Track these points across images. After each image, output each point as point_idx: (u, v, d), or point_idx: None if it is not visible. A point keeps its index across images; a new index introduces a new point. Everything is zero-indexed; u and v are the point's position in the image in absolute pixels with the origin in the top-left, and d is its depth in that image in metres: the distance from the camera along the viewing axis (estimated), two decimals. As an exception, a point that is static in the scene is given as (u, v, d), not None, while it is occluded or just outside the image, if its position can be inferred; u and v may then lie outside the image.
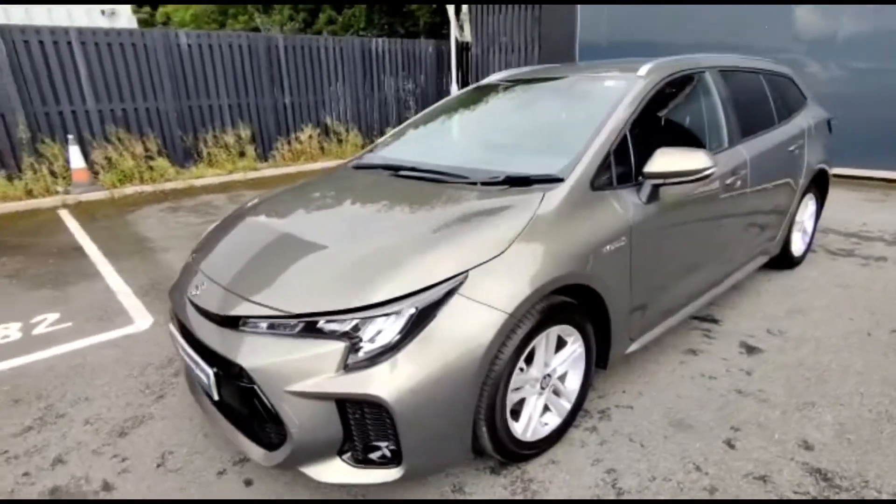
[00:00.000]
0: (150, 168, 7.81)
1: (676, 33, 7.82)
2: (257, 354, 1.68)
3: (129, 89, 7.76)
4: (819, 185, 3.89)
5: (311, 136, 9.52)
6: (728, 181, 2.73)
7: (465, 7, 10.01)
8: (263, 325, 1.73)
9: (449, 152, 2.81)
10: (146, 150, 7.87)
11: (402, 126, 3.23)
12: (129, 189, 7.43)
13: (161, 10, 31.86)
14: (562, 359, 2.09)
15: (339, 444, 1.69)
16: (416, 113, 9.06)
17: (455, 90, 10.22)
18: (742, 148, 2.92)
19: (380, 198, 2.36)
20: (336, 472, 1.71)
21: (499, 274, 1.77)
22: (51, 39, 7.09)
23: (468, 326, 1.69)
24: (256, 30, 27.79)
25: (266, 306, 1.74)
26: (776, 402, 2.37)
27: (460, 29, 9.93)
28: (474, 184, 2.23)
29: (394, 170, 2.60)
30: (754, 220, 3.11)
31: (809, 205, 3.89)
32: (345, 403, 1.64)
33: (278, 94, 9.25)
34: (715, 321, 3.14)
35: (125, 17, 9.01)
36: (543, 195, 2.03)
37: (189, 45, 8.21)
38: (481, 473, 2.01)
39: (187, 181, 7.91)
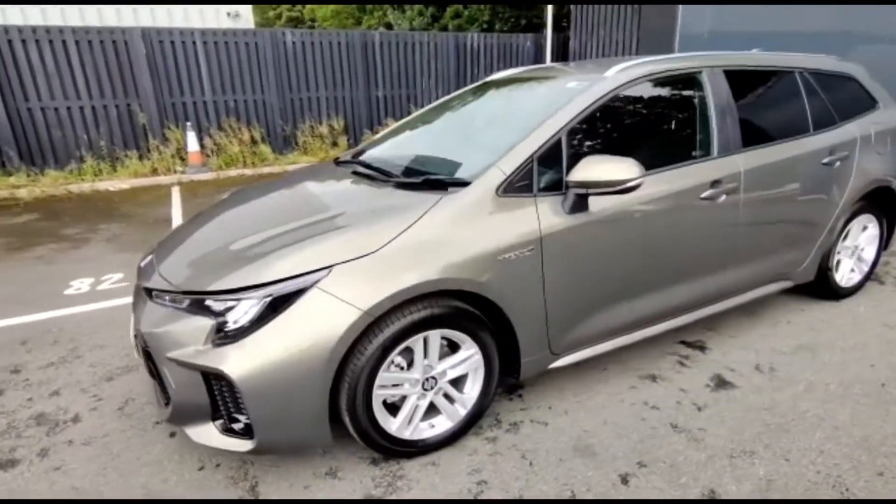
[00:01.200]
0: (253, 153, 8.76)
1: (785, 22, 6.93)
2: (151, 321, 1.93)
3: (240, 83, 8.73)
4: (882, 205, 3.29)
5: (400, 129, 9.94)
6: (705, 194, 2.46)
7: None
8: (166, 297, 1.98)
9: (413, 150, 2.86)
10: (251, 137, 8.82)
11: (399, 123, 3.34)
12: (233, 171, 8.40)
13: (308, 8, 34.86)
14: (451, 364, 2.09)
15: (210, 411, 1.89)
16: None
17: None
18: (739, 158, 2.60)
19: (310, 192, 2.52)
20: (208, 435, 1.91)
21: (363, 272, 1.83)
22: (180, 40, 8.23)
23: (322, 319, 1.78)
24: (389, 25, 29.35)
25: (167, 281, 1.99)
26: (710, 444, 2.13)
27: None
28: (398, 184, 2.29)
29: (358, 164, 2.74)
30: (756, 239, 2.74)
31: (868, 227, 3.31)
32: (209, 375, 1.82)
33: (372, 88, 9.78)
34: (702, 348, 2.84)
35: (246, 19, 10.11)
36: (440, 199, 2.04)
37: (294, 43, 9.00)
38: (361, 462, 2.09)
39: (283, 166, 8.72)
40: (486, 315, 2.09)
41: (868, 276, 3.45)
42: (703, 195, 2.46)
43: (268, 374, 1.75)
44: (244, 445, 1.86)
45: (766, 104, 2.89)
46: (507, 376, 2.28)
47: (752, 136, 2.71)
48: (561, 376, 2.61)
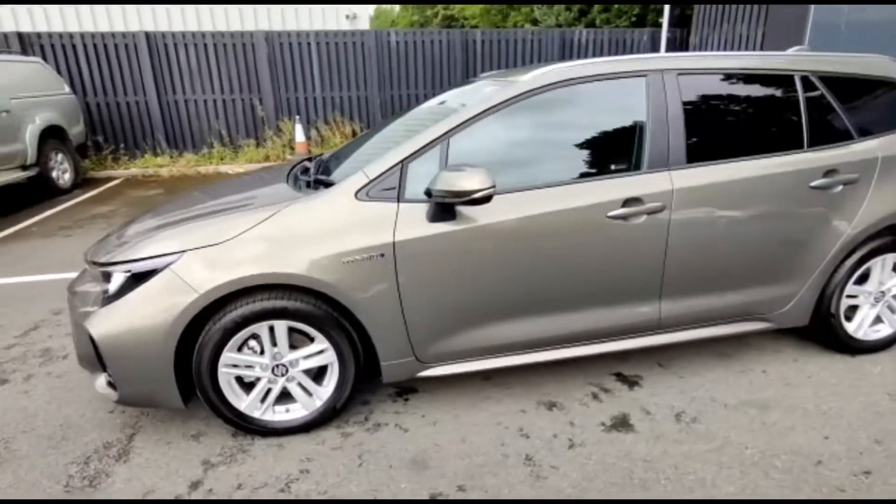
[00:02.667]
0: (352, 146, 9.47)
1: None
2: (77, 285, 2.34)
3: (346, 80, 9.46)
4: None
5: (495, 127, 9.94)
6: (614, 213, 2.21)
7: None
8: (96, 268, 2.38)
9: (348, 154, 2.92)
10: (353, 131, 9.53)
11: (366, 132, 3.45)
12: (331, 161, 9.18)
13: (457, 7, 35.84)
14: (303, 355, 2.19)
15: (99, 364, 2.24)
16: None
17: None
18: (675, 174, 2.28)
19: (244, 184, 2.76)
20: (99, 384, 2.27)
21: (209, 260, 2.03)
22: (296, 41, 9.17)
23: (167, 296, 2.01)
24: (536, 21, 29.16)
25: (92, 251, 2.39)
26: (548, 484, 1.95)
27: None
28: (308, 184, 2.45)
29: (304, 165, 2.94)
30: (700, 269, 2.38)
31: (904, 271, 2.65)
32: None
33: (470, 85, 9.90)
34: (633, 384, 2.56)
35: (363, 20, 10.86)
36: (297, 199, 2.15)
37: (397, 43, 9.48)
38: (225, 433, 2.29)
39: (376, 159, 9.30)
40: (341, 314, 2.15)
41: (906, 331, 2.77)
42: (612, 214, 2.21)
43: (120, 337, 2.03)
44: (113, 396, 2.18)
45: (738, 114, 2.46)
46: (377, 377, 2.32)
47: (707, 150, 2.36)
48: (458, 387, 2.56)
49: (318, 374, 2.28)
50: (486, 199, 2.01)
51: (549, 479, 1.98)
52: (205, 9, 10.43)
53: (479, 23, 35.34)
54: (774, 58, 2.55)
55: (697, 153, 2.34)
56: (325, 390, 2.26)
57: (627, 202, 2.23)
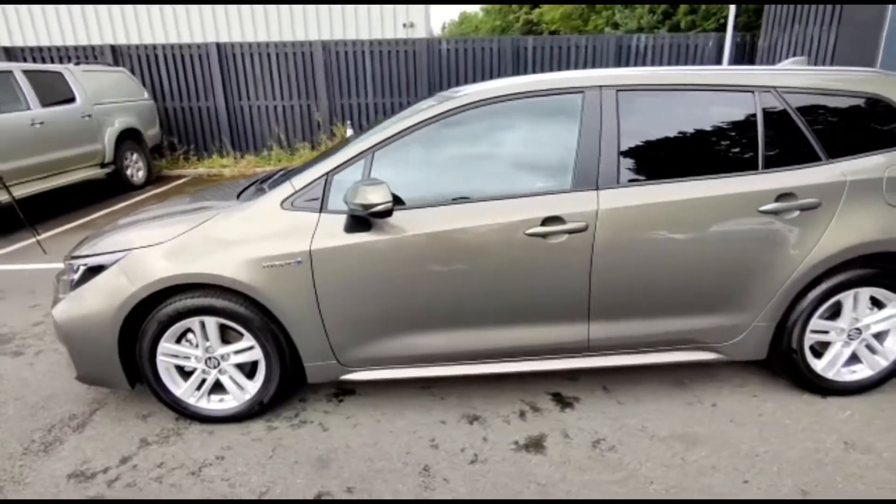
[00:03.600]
0: (400, 150, 9.73)
1: None
2: (62, 274, 2.67)
3: (397, 87, 9.74)
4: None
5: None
6: (532, 231, 2.19)
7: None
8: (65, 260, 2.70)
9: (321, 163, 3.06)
10: (401, 135, 9.79)
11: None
12: (379, 165, 9.49)
13: (536, 10, 35.58)
14: (233, 350, 2.36)
15: (68, 344, 2.54)
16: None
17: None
18: (603, 194, 2.21)
19: (213, 193, 2.98)
20: (69, 363, 2.57)
21: (148, 259, 2.25)
22: (352, 50, 9.57)
23: (112, 289, 2.26)
24: (617, 25, 28.32)
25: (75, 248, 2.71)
26: (437, 494, 1.98)
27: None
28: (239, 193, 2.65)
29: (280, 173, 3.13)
30: (629, 292, 2.28)
31: (888, 306, 2.38)
32: (60, 316, 2.47)
33: (519, 92, 9.85)
34: (566, 405, 2.50)
35: (420, 28, 11.10)
36: (228, 207, 2.33)
37: (448, 50, 9.63)
38: (169, 416, 2.51)
39: (422, 164, 9.51)
40: (265, 314, 2.30)
41: (893, 374, 2.48)
42: (529, 232, 2.19)
43: (74, 322, 2.30)
44: (74, 374, 2.46)
45: (684, 133, 2.33)
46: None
47: (645, 170, 2.27)
48: (394, 393, 2.63)
49: (252, 369, 2.45)
50: (387, 213, 2.08)
51: (436, 492, 2.00)
52: (272, 19, 11.14)
53: (558, 27, 34.83)
54: (732, 72, 2.39)
55: (633, 173, 2.26)
56: (255, 385, 2.42)
57: (547, 221, 2.20)
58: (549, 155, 2.33)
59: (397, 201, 2.25)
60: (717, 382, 2.64)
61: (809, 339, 2.41)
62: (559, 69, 9.74)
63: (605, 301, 2.30)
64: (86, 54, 9.33)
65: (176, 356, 2.37)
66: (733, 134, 2.33)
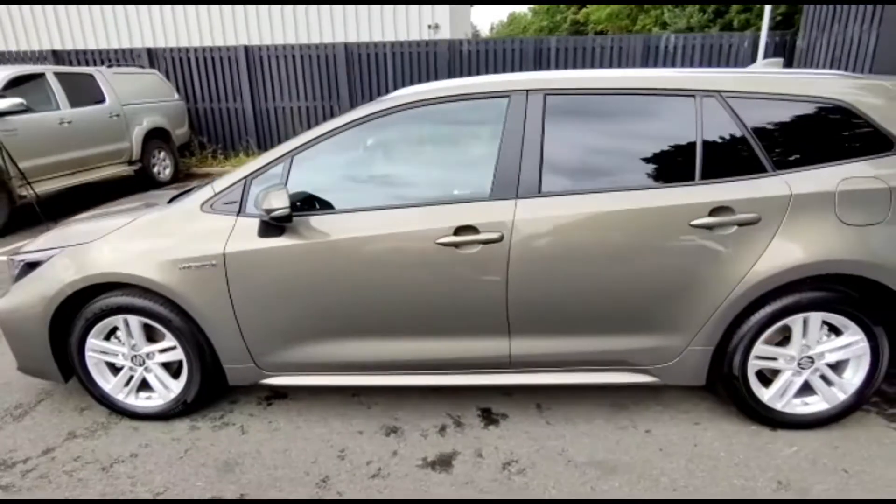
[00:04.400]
0: (419, 152, 9.74)
1: None
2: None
3: (418, 88, 9.75)
4: (852, 303, 2.09)
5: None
6: (444, 240, 2.10)
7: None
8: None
9: None
10: (421, 137, 9.80)
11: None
12: (397, 167, 9.53)
13: (583, 11, 34.84)
14: (157, 349, 2.40)
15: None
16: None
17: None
18: (522, 204, 2.10)
19: (161, 195, 3.04)
20: (19, 353, 2.68)
21: (77, 257, 2.31)
22: (374, 52, 9.64)
23: (43, 284, 2.33)
24: (665, 25, 27.45)
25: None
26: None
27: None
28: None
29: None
30: (549, 307, 2.16)
31: (844, 333, 2.16)
32: (8, 310, 2.58)
33: (541, 94, 9.66)
34: (493, 421, 2.40)
35: (445, 30, 11.05)
36: (151, 209, 2.37)
37: (469, 52, 9.56)
38: (102, 411, 2.57)
39: (440, 166, 9.48)
40: (184, 315, 2.31)
41: (853, 408, 2.24)
42: (441, 241, 2.11)
43: (10, 315, 2.40)
44: (15, 365, 2.57)
45: (616, 140, 2.19)
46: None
47: (569, 180, 2.15)
48: (322, 400, 2.60)
49: (178, 369, 2.47)
50: (286, 219, 2.05)
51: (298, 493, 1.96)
52: (301, 21, 11.38)
53: (605, 27, 33.94)
54: (673, 75, 2.23)
55: (556, 182, 2.14)
56: (179, 384, 2.44)
57: (460, 230, 2.11)
58: (471, 161, 2.25)
59: (312, 206, 2.23)
60: (661, 407, 2.47)
61: (754, 365, 2.22)
62: (582, 68, 9.48)
63: (525, 316, 2.19)
64: (125, 56, 9.81)
65: (105, 352, 2.42)
66: (670, 142, 2.17)
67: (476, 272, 2.14)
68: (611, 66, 9.43)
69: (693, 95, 2.16)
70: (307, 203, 2.24)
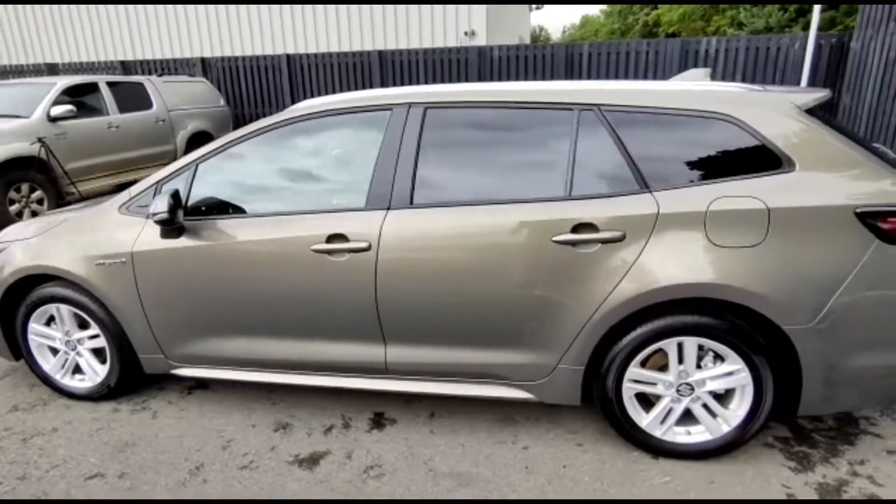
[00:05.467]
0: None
1: None
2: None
3: (448, 94, 9.86)
4: (728, 330, 1.95)
5: (597, 145, 9.35)
6: (317, 247, 2.19)
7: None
8: None
9: None
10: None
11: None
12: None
13: (654, 12, 33.58)
14: (85, 335, 2.65)
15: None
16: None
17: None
18: (389, 215, 2.15)
19: None
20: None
21: (17, 250, 2.61)
22: (406, 58, 9.87)
23: (-7, 276, 2.66)
24: (742, 25, 26.04)
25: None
26: (188, 493, 2.08)
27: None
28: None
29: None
30: (418, 318, 2.19)
31: (726, 361, 2.03)
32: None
33: (572, 100, 9.47)
34: (380, 425, 2.46)
35: (481, 36, 11.07)
36: (78, 210, 2.63)
37: (499, 58, 9.55)
38: (54, 395, 2.87)
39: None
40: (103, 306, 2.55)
41: (738, 442, 2.10)
42: (315, 248, 2.20)
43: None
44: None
45: (492, 153, 2.18)
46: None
47: (442, 192, 2.17)
48: (237, 393, 2.75)
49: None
50: (166, 222, 2.22)
51: (187, 489, 2.10)
52: (343, 28, 11.81)
53: (678, 28, 32.57)
54: (553, 88, 2.19)
55: (428, 195, 2.17)
56: (105, 369, 2.69)
57: (332, 238, 2.19)
58: (353, 172, 2.32)
59: (212, 211, 2.39)
60: (550, 425, 2.42)
61: (630, 388, 2.14)
62: (616, 75, 9.22)
63: (396, 325, 2.23)
64: (181, 66, 10.64)
65: (44, 336, 2.71)
66: (544, 156, 2.14)
67: (346, 279, 2.21)
68: (646, 72, 9.11)
69: (571, 109, 2.12)
70: (214, 208, 2.41)
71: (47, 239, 2.58)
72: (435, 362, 2.27)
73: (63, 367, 2.75)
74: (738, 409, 2.08)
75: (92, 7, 12.92)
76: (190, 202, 2.40)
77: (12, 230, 2.79)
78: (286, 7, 11.83)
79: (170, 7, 12.64)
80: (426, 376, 2.32)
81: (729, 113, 2.00)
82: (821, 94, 2.11)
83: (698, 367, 2.09)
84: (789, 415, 2.11)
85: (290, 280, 2.28)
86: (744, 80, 8.74)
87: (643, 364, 2.12)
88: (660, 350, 2.08)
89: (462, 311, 2.16)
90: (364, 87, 10.04)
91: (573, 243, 2.01)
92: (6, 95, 7.00)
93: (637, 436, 2.18)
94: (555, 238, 2.02)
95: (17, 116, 6.48)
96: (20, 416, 2.64)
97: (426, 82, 9.85)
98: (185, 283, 2.39)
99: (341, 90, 10.14)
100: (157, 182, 2.47)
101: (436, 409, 2.57)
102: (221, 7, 12.36)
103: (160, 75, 8.69)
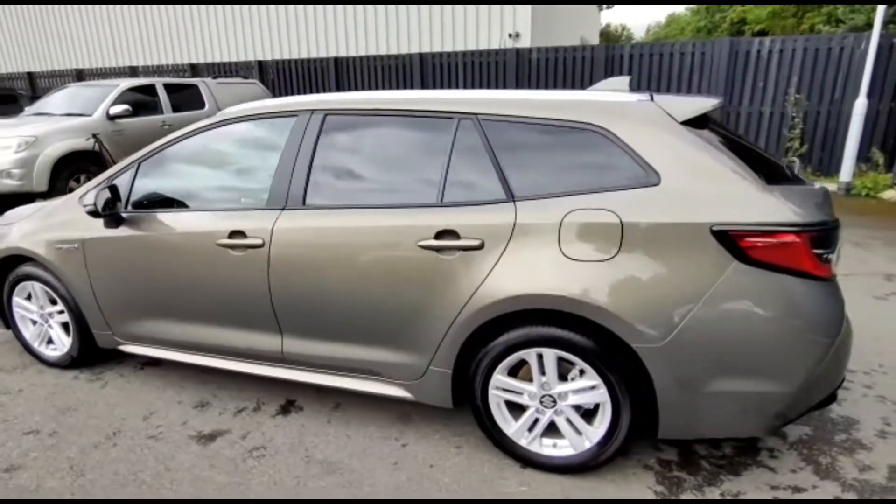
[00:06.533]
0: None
1: None
2: None
3: (486, 97, 9.89)
4: (588, 348, 1.91)
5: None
6: (221, 241, 2.37)
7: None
8: None
9: None
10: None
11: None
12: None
13: (740, 9, 31.54)
14: (54, 310, 3.01)
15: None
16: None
17: (861, 104, 7.11)
18: (281, 214, 2.30)
19: None
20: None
21: (2, 233, 3.02)
22: (446, 61, 10.02)
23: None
24: (840, 22, 24.05)
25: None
26: (96, 457, 2.34)
27: None
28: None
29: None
30: (306, 313, 2.33)
31: (585, 374, 2.00)
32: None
33: (611, 104, 9.20)
34: (286, 411, 2.62)
35: (526, 39, 10.95)
36: (53, 202, 2.98)
37: (537, 60, 9.46)
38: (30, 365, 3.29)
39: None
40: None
41: (599, 460, 2.06)
42: (219, 242, 2.39)
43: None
44: None
45: (377, 159, 2.27)
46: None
47: (330, 195, 2.30)
48: (180, 371, 3.02)
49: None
50: (92, 214, 2.50)
51: (97, 451, 2.37)
52: (392, 32, 12.12)
53: (766, 26, 30.57)
54: (439, 97, 2.23)
55: (318, 197, 2.30)
56: (69, 340, 3.04)
57: (233, 234, 2.38)
58: (260, 174, 2.49)
59: (148, 205, 2.65)
60: (440, 426, 2.47)
61: (496, 396, 2.15)
62: (658, 80, 8.86)
63: (288, 317, 2.38)
64: (242, 68, 11.41)
65: (25, 309, 3.11)
66: (423, 164, 2.20)
67: (245, 272, 2.39)
68: (691, 75, 8.69)
69: (452, 118, 2.17)
70: (152, 203, 2.67)
71: (27, 224, 2.97)
72: (325, 355, 2.40)
73: (39, 336, 3.14)
74: (599, 427, 2.04)
75: (167, 14, 14.11)
76: (133, 196, 2.68)
77: (9, 214, 3.22)
78: (338, 9, 12.31)
79: (230, 13, 13.54)
80: (319, 368, 2.45)
81: (599, 123, 1.97)
82: (708, 104, 2.03)
83: (564, 380, 2.07)
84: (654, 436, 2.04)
85: (201, 270, 2.49)
86: (799, 83, 8.12)
87: (513, 373, 2.13)
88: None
89: (344, 308, 2.27)
90: (406, 88, 10.31)
91: (437, 249, 2.07)
92: (79, 96, 7.88)
93: (505, 444, 2.19)
94: (420, 243, 2.08)
95: (82, 115, 7.30)
96: (1, 376, 3.06)
97: (464, 85, 9.95)
98: (122, 268, 2.68)
99: (384, 89, 10.46)
100: (108, 177, 2.77)
101: (343, 401, 2.69)
102: (280, 11, 13.09)
103: (214, 77, 9.39)
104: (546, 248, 1.93)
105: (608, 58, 9.08)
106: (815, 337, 1.82)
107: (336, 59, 10.78)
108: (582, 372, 2.04)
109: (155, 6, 13.89)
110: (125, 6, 14.13)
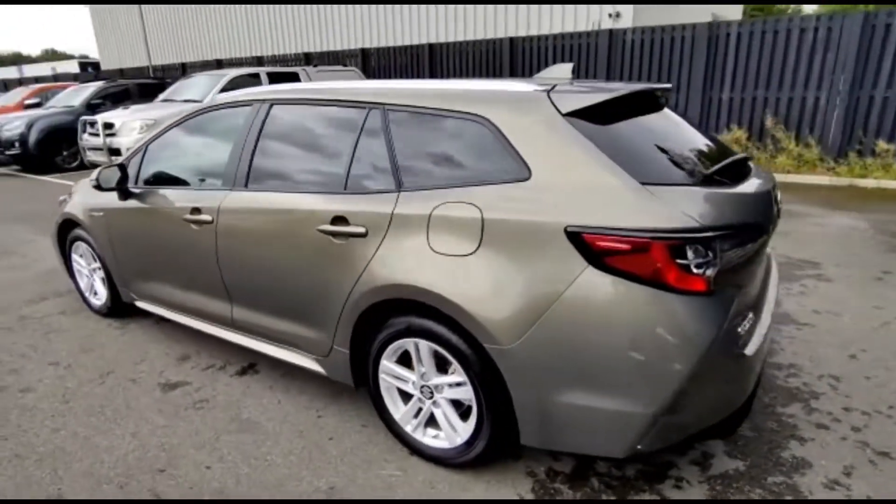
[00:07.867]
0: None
1: None
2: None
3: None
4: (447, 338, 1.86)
5: (737, 139, 8.12)
6: (185, 217, 2.69)
7: None
8: None
9: None
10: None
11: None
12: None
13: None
14: (96, 266, 3.61)
15: None
16: None
17: None
18: (228, 195, 2.54)
19: None
20: None
21: (64, 202, 3.67)
22: (536, 45, 9.76)
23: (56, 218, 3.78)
24: None
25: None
26: (82, 392, 2.82)
27: None
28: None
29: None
30: (243, 285, 2.56)
31: (455, 372, 1.97)
32: None
33: (712, 89, 8.32)
34: (246, 372, 2.90)
35: (628, 19, 10.16)
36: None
37: (632, 41, 8.84)
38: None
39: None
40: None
41: (467, 456, 2.01)
42: (184, 217, 2.71)
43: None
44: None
45: (302, 146, 2.38)
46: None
47: (265, 178, 2.48)
48: (183, 330, 3.45)
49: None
50: (96, 188, 2.94)
51: (90, 385, 2.84)
52: (479, 18, 12.04)
53: (827, 10, 26.16)
54: (357, 87, 2.29)
55: (256, 180, 2.50)
56: (106, 292, 3.63)
57: (193, 210, 2.68)
58: (222, 157, 2.74)
59: (153, 182, 3.06)
60: (364, 402, 2.57)
61: (385, 381, 2.20)
62: (771, 60, 7.82)
63: (233, 288, 2.64)
64: (347, 56, 12.14)
65: (79, 264, 3.76)
66: (338, 151, 2.28)
67: (200, 245, 2.68)
68: (812, 54, 7.55)
69: (363, 107, 2.23)
70: (155, 180, 3.08)
71: (78, 194, 3.58)
72: (261, 324, 2.61)
73: (88, 288, 3.79)
74: (469, 424, 2.01)
75: (288, 11, 15.38)
76: (142, 174, 3.12)
77: (75, 185, 3.90)
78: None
79: (339, 7, 14.33)
80: (260, 336, 2.68)
81: (483, 114, 1.91)
82: (603, 97, 1.85)
83: (444, 372, 2.06)
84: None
85: (174, 241, 2.84)
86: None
87: (404, 361, 2.17)
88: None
89: (269, 283, 2.46)
90: (496, 73, 10.24)
91: (332, 234, 2.16)
92: (196, 84, 9.03)
93: (394, 429, 2.24)
94: (318, 227, 2.19)
95: (194, 101, 8.36)
96: (59, 317, 3.75)
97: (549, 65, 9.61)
98: (129, 235, 3.14)
99: (476, 76, 10.49)
100: (131, 154, 3.24)
101: (292, 371, 2.91)
102: (381, 4, 13.62)
103: (315, 65, 10.13)
104: (416, 240, 1.93)
105: (712, 37, 8.19)
106: (677, 356, 1.61)
107: (430, 46, 11.01)
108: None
109: (279, 5, 15.27)
110: (257, 6, 15.73)
